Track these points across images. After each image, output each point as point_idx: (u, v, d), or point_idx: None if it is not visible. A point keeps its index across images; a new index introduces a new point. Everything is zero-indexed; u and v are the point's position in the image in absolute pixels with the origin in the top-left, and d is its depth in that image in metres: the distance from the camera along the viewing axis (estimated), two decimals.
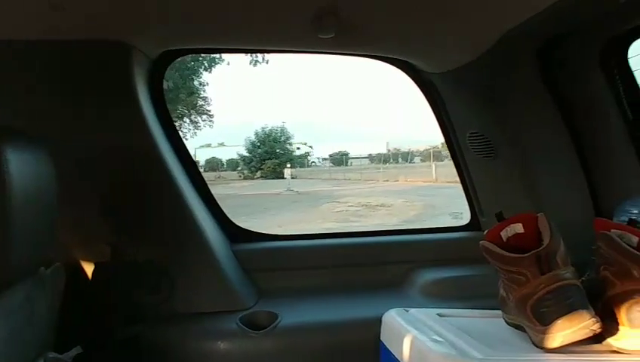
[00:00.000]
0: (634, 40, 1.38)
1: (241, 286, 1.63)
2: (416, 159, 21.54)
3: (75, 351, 1.11)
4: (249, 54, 14.19)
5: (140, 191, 1.52)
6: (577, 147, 1.53)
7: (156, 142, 1.50)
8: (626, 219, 1.21)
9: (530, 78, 1.49)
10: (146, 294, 1.51)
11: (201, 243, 1.57)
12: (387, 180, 18.47)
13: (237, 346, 1.47)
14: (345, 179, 20.15)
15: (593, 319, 1.02)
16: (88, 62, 1.40)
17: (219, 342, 1.46)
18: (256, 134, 21.46)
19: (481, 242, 1.18)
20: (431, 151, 18.65)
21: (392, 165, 21.82)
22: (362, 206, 12.88)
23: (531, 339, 1.10)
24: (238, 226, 1.80)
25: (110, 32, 1.36)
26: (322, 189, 17.17)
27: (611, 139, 1.45)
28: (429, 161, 18.22)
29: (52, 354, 1.06)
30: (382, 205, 12.76)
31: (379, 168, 20.99)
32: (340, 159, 24.58)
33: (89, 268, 1.51)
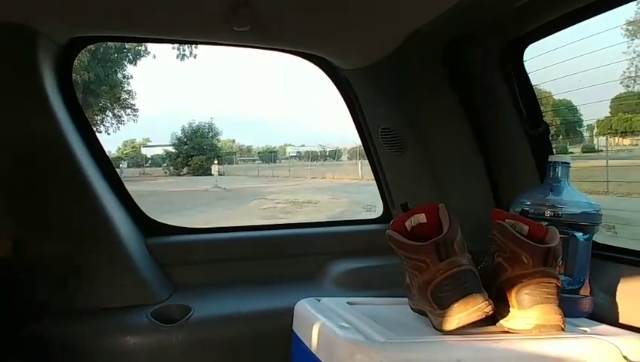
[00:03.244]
0: (530, 43, 1.47)
1: (153, 279, 1.60)
2: (344, 157, 21.87)
3: None
4: (175, 47, 13.93)
5: (45, 183, 1.45)
6: (480, 142, 1.61)
7: (63, 132, 1.44)
8: (520, 209, 1.31)
9: (436, 76, 1.56)
10: (51, 290, 1.46)
11: (112, 237, 1.53)
12: (315, 177, 18.64)
13: (147, 340, 1.45)
14: (273, 176, 20.14)
15: (486, 302, 1.09)
16: None
17: (128, 337, 1.43)
18: (183, 130, 21.06)
19: (387, 231, 1.23)
20: (357, 149, 19.00)
21: (319, 163, 22.03)
22: (290, 203, 12.93)
23: (432, 323, 1.16)
24: (153, 220, 1.76)
25: (13, 14, 1.28)
26: (250, 186, 17.08)
27: (509, 135, 1.55)
28: (356, 158, 18.53)
29: None
30: (309, 202, 12.87)
31: (307, 166, 21.13)
32: (268, 156, 24.55)
33: None
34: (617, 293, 1.29)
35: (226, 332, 1.52)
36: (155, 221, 1.78)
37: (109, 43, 12.17)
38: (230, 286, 1.70)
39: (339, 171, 18.67)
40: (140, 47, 15.01)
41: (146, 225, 1.74)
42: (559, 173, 1.37)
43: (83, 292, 1.48)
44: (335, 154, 22.36)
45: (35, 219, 1.48)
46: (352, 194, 12.91)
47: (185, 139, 20.93)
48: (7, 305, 1.39)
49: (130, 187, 1.75)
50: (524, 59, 1.49)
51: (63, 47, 1.50)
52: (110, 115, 16.76)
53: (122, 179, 1.74)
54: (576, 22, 1.36)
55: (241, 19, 1.35)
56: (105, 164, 1.63)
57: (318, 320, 1.24)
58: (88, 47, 1.68)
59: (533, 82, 1.54)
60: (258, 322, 1.55)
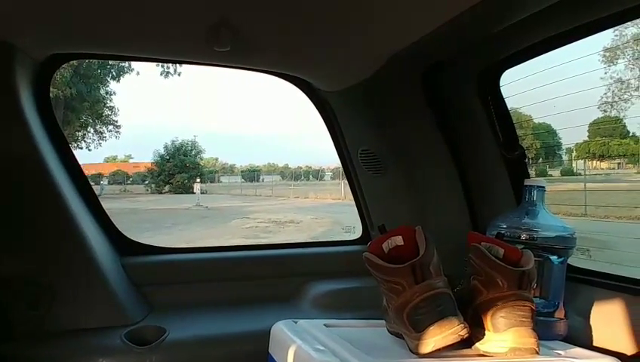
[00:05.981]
0: (506, 69, 1.50)
1: (128, 300, 1.57)
2: (327, 176, 21.94)
3: None
4: (160, 65, 13.91)
5: (17, 199, 1.43)
6: (457, 166, 1.63)
7: (38, 147, 1.42)
8: (496, 232, 1.32)
9: (415, 99, 1.58)
10: (22, 310, 1.42)
11: (86, 256, 1.50)
12: (298, 197, 18.64)
13: None
14: (256, 196, 20.10)
15: (461, 325, 1.09)
16: None
17: (101, 359, 1.40)
18: (166, 147, 20.95)
19: (364, 253, 1.23)
20: (340, 169, 19.05)
21: (302, 182, 22.05)
22: (272, 222, 12.88)
23: (408, 346, 1.15)
24: (128, 238, 1.74)
25: None
26: (232, 205, 17.01)
27: (486, 158, 1.56)
28: (339, 178, 18.58)
29: None
30: (291, 221, 12.84)
31: (290, 185, 21.14)
32: (251, 175, 24.53)
33: None
34: (592, 316, 1.30)
35: (202, 355, 1.49)
36: (131, 240, 1.75)
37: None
38: (207, 307, 1.67)
39: (322, 191, 18.70)
40: (123, 64, 14.98)
41: (121, 244, 1.71)
42: (535, 197, 1.38)
43: (55, 313, 1.45)
44: (318, 174, 22.43)
45: (6, 236, 1.44)
46: (335, 214, 12.91)
47: (167, 157, 20.82)
48: None
49: (110, 204, 1.73)
50: (500, 84, 1.52)
51: (41, 64, 1.48)
52: (92, 131, 16.64)
53: (102, 197, 1.72)
54: (552, 48, 1.39)
55: (222, 40, 1.35)
56: (81, 181, 1.61)
57: (295, 342, 1.22)
58: (71, 62, 1.66)
59: (511, 106, 1.56)
60: (234, 344, 1.53)
